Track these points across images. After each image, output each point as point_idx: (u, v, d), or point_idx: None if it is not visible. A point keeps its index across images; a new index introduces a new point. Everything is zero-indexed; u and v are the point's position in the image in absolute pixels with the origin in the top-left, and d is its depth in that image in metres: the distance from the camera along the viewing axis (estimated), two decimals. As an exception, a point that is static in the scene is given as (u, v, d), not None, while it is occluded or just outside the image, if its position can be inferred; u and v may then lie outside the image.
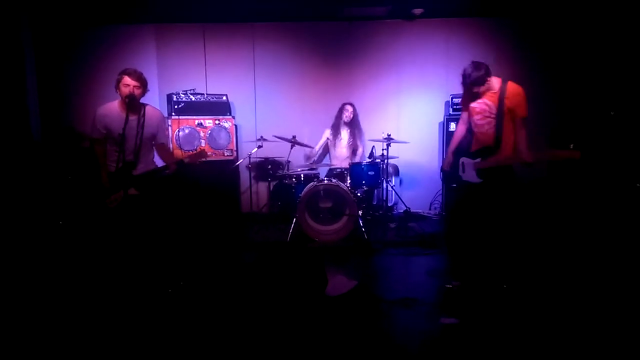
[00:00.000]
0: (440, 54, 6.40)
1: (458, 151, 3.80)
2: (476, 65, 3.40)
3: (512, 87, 3.41)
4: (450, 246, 3.97)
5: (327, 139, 5.88)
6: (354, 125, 5.84)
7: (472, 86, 3.43)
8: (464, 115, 3.78)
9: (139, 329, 3.00)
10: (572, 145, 3.21)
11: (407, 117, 6.47)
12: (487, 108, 3.47)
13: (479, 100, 3.53)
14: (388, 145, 5.33)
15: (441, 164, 4.08)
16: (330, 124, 5.94)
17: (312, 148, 5.88)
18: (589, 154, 5.34)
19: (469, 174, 3.62)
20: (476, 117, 3.56)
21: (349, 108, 5.80)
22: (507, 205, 3.51)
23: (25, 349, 2.77)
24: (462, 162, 3.70)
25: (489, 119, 3.47)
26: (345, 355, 2.71)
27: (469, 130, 3.80)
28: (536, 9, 5.88)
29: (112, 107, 3.50)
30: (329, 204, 5.23)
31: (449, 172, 3.86)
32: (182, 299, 3.47)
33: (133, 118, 3.40)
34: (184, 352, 2.72)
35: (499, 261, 3.63)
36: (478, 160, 3.53)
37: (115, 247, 3.60)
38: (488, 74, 3.41)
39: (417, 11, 6.01)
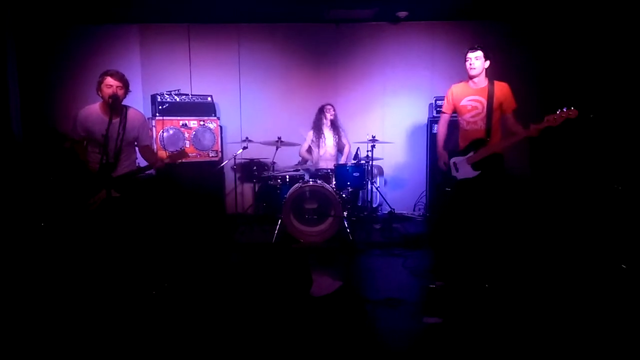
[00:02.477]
0: (424, 57, 6.47)
1: (450, 153, 3.91)
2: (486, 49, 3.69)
3: (498, 84, 3.68)
4: (435, 246, 4.07)
5: (312, 140, 5.89)
6: (336, 125, 5.88)
7: (476, 49, 3.66)
8: (445, 116, 3.97)
9: (123, 331, 2.97)
10: (565, 110, 3.30)
11: (391, 119, 6.52)
12: (478, 105, 3.69)
13: (469, 98, 3.73)
14: (373, 146, 5.37)
15: (428, 167, 4.23)
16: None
17: (300, 145, 5.88)
18: (571, 155, 5.47)
19: (464, 171, 3.77)
20: (467, 115, 3.75)
21: (331, 108, 5.83)
22: (503, 193, 3.73)
23: (8, 352, 2.73)
24: (454, 163, 3.83)
25: (481, 115, 3.68)
26: (330, 355, 2.72)
27: (451, 131, 3.98)
28: (520, 12, 5.97)
29: (94, 110, 3.48)
30: (314, 205, 5.24)
31: (443, 177, 3.98)
32: (166, 300, 3.45)
33: (115, 120, 3.38)
34: (168, 354, 2.71)
35: (483, 260, 3.70)
36: (470, 154, 3.71)
37: (98, 248, 3.57)
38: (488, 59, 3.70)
39: (402, 14, 6.07)
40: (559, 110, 3.32)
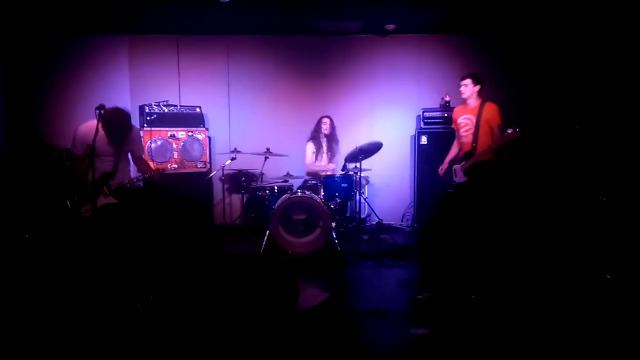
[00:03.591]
0: (412, 69, 6.55)
1: (452, 162, 4.73)
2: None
3: (488, 105, 4.44)
4: (423, 257, 4.33)
5: (312, 151, 5.92)
6: (331, 137, 5.94)
7: (466, 77, 4.53)
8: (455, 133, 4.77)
9: (108, 343, 2.93)
10: (510, 130, 4.09)
11: (380, 131, 6.56)
12: (469, 122, 4.49)
13: (463, 117, 4.56)
14: (361, 157, 5.39)
15: (416, 178, 5.33)
16: (307, 137, 6.01)
17: (285, 156, 5.86)
18: (555, 166, 5.56)
19: (460, 176, 4.56)
20: (461, 131, 4.58)
21: (327, 121, 5.91)
22: (490, 198, 4.26)
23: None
24: (454, 169, 4.63)
25: (471, 130, 4.46)
26: (316, 367, 2.71)
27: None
28: (505, 26, 6.08)
29: (93, 126, 3.51)
30: (302, 216, 5.24)
31: (446, 180, 4.77)
32: (152, 312, 3.41)
33: None
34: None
35: (470, 271, 3.75)
36: (463, 162, 4.51)
37: (88, 257, 3.62)
38: (479, 84, 4.52)
39: (390, 27, 6.15)
40: (506, 131, 4.13)
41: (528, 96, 6.21)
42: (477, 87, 4.47)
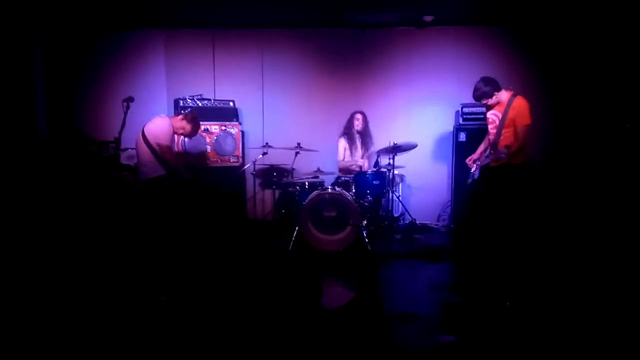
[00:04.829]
0: (450, 63, 6.29)
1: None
2: (485, 80, 4.07)
3: (518, 101, 3.96)
4: (457, 259, 4.11)
5: (344, 147, 5.80)
6: (364, 134, 5.78)
7: (478, 99, 4.14)
8: None
9: (133, 334, 2.94)
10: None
11: (416, 126, 6.35)
12: (496, 119, 4.09)
13: (491, 112, 4.15)
14: (394, 154, 5.22)
15: (454, 176, 5.29)
16: (339, 133, 5.88)
17: (316, 151, 5.78)
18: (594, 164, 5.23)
19: (476, 172, 4.24)
20: (490, 127, 4.22)
21: (359, 116, 5.74)
22: (515, 204, 3.93)
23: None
24: (476, 164, 4.31)
25: (496, 128, 4.07)
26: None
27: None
28: (547, 18, 5.74)
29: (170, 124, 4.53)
30: (332, 213, 5.13)
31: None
32: (177, 305, 3.41)
33: None
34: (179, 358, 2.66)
35: (504, 277, 3.52)
36: (487, 156, 4.14)
37: (121, 250, 3.73)
38: (496, 89, 4.04)
39: (428, 18, 5.92)
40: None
41: (574, 90, 5.83)
42: (501, 91, 4.07)
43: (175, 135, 4.76)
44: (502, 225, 3.83)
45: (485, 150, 4.29)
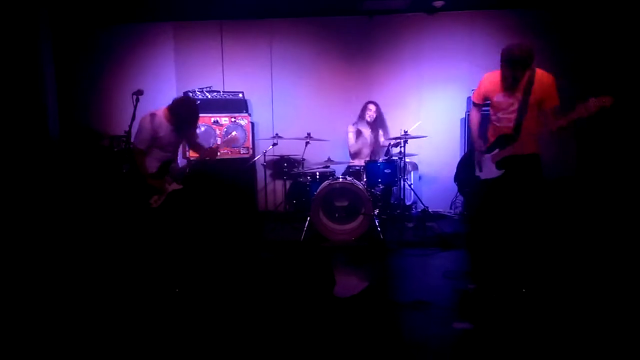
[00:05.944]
0: (462, 48, 6.19)
1: (471, 152, 3.62)
2: (524, 46, 3.10)
3: (543, 76, 3.16)
4: (471, 247, 3.83)
5: (352, 132, 5.74)
6: (377, 124, 5.71)
7: (516, 65, 3.09)
8: (477, 107, 3.60)
9: (144, 327, 2.96)
10: (594, 100, 2.85)
11: (427, 113, 6.27)
12: (513, 101, 3.23)
13: (501, 95, 3.27)
14: (405, 142, 5.16)
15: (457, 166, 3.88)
16: (350, 121, 5.83)
17: (326, 141, 5.74)
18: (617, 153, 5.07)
19: (488, 170, 3.42)
20: (501, 113, 3.31)
21: (372, 107, 5.66)
22: (531, 196, 3.28)
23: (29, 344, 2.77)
24: (479, 161, 3.50)
25: (515, 113, 3.23)
26: (351, 357, 2.59)
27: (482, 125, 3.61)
28: (564, 1, 5.60)
29: (159, 118, 3.70)
30: (344, 203, 5.10)
31: (463, 176, 3.71)
32: (191, 297, 3.42)
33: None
34: (190, 351, 2.66)
35: (520, 263, 3.44)
36: (496, 151, 3.35)
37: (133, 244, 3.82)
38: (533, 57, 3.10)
39: (438, 3, 5.82)
40: (591, 99, 2.86)
41: (591, 78, 5.69)
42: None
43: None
44: (518, 215, 3.33)
45: (490, 139, 3.46)
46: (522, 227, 3.34)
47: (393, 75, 6.35)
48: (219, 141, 5.69)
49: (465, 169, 3.68)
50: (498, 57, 3.71)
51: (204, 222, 5.14)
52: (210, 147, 4.14)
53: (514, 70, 3.13)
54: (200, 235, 4.79)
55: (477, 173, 3.52)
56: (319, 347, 2.72)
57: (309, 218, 4.92)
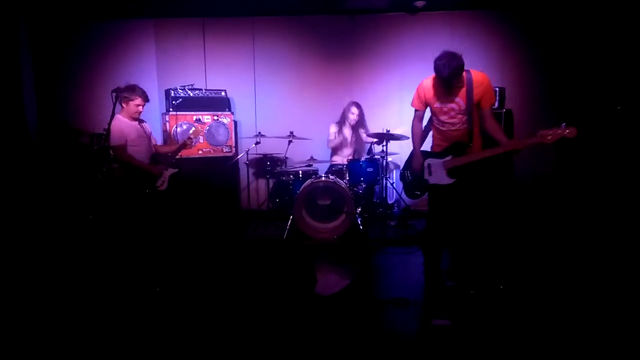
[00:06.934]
0: (443, 48, 6.22)
1: (425, 154, 3.51)
2: (452, 54, 3.09)
3: (477, 75, 3.19)
4: (450, 245, 3.85)
5: (334, 132, 5.75)
6: (358, 126, 5.72)
7: (451, 79, 3.06)
8: (419, 114, 3.50)
9: (127, 328, 2.94)
10: (564, 124, 2.88)
11: (409, 112, 6.26)
12: (455, 106, 3.21)
13: (445, 100, 3.24)
14: (387, 141, 5.21)
15: (402, 167, 3.82)
16: (332, 120, 5.84)
17: (309, 140, 5.75)
18: (594, 150, 5.19)
19: (438, 176, 3.36)
20: (443, 117, 3.28)
21: (355, 111, 5.62)
22: (485, 201, 3.44)
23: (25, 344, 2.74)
24: (428, 164, 3.42)
25: (460, 115, 3.22)
26: (332, 354, 2.62)
27: (426, 129, 3.57)
28: (541, 1, 5.71)
29: (124, 120, 4.16)
30: (327, 202, 5.14)
31: (411, 179, 3.65)
32: (172, 296, 3.41)
33: (141, 124, 4.32)
34: (174, 350, 2.66)
35: (494, 261, 3.52)
36: (449, 158, 3.30)
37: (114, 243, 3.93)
38: (463, 63, 3.09)
39: (420, 3, 5.87)
40: (555, 127, 2.90)
41: (566, 75, 5.81)
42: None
43: (142, 127, 4.33)
44: (479, 215, 3.40)
45: (442, 144, 3.41)
46: (479, 227, 3.44)
47: (375, 75, 6.39)
48: (200, 139, 5.65)
49: (413, 171, 3.60)
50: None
51: (187, 221, 5.13)
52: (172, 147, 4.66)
53: (447, 83, 3.14)
54: (182, 233, 4.78)
55: (426, 176, 3.45)
56: (301, 344, 2.74)
57: (291, 217, 4.93)
